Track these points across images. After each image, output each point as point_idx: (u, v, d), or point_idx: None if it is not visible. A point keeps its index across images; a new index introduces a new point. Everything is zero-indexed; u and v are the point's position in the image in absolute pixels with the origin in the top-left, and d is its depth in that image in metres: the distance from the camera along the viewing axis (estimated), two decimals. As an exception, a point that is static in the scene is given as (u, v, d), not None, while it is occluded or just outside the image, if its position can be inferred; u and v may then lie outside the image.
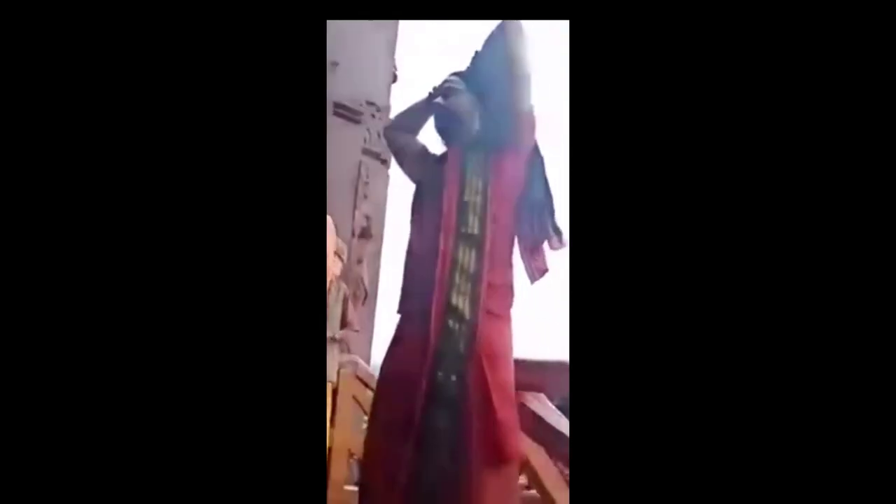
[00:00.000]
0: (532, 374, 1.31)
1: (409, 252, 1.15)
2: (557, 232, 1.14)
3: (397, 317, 1.16)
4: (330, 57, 3.70)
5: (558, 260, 1.16)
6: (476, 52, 1.20)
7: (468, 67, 1.22)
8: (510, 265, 1.13)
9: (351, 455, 2.71)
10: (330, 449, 2.53)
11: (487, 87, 1.16)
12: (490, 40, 1.16)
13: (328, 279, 1.97)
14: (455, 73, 1.22)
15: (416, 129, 1.30)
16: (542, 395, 1.32)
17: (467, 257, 1.03)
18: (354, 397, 2.66)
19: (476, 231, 1.05)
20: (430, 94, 1.23)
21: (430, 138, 1.28)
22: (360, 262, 4.18)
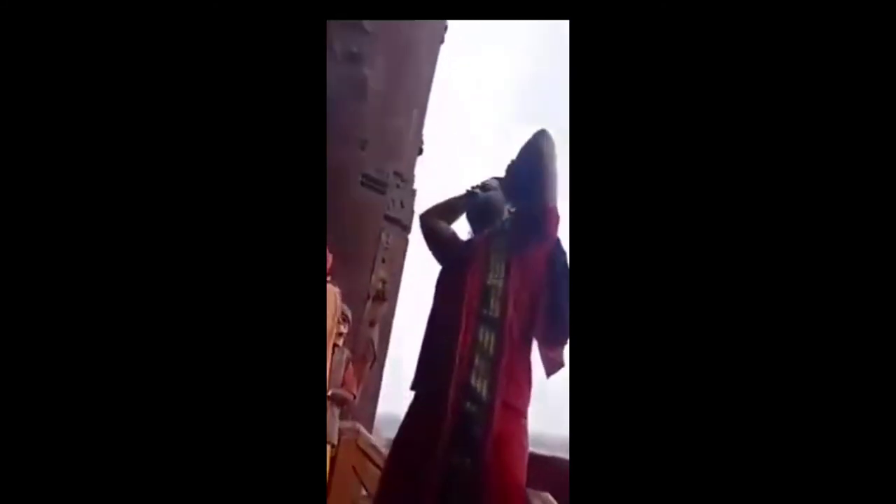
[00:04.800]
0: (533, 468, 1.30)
1: (429, 331, 1.19)
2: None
3: (403, 385, 1.17)
4: (360, 135, 3.97)
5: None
6: (511, 161, 1.34)
7: (505, 175, 1.35)
8: (528, 357, 1.14)
9: (345, 528, 2.60)
10: (323, 520, 2.45)
11: (518, 188, 1.28)
12: (524, 148, 1.29)
13: (331, 342, 2.01)
14: (494, 178, 1.36)
15: (450, 220, 1.41)
16: (547, 495, 1.30)
17: (487, 339, 1.07)
18: (354, 468, 2.60)
19: (497, 314, 1.09)
20: (467, 191, 1.35)
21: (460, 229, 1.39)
22: (372, 324, 4.21)
